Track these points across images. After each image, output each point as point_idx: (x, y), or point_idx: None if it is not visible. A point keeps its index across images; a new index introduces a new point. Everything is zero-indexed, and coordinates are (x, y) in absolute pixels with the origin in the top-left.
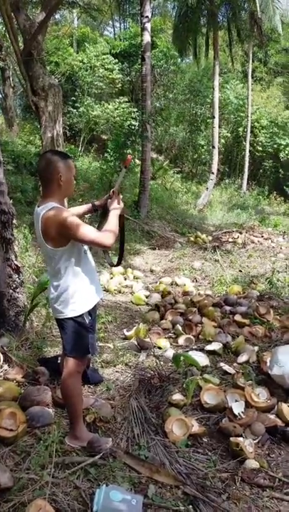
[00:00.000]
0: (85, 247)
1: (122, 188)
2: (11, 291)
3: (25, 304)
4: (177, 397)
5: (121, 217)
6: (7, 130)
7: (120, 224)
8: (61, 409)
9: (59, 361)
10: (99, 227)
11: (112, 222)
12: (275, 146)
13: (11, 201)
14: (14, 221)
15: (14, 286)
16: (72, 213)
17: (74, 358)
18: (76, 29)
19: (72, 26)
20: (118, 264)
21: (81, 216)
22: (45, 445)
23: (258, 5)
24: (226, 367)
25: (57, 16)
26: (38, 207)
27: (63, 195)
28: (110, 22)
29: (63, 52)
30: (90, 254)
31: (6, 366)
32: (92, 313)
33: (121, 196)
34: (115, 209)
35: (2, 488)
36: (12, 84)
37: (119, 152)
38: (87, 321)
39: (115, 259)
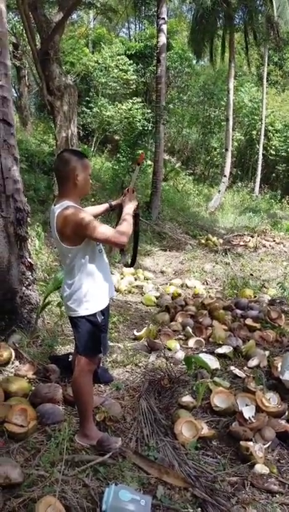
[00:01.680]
0: (100, 245)
1: (135, 187)
2: (23, 288)
3: (38, 301)
4: (187, 399)
5: (136, 216)
6: (21, 129)
7: (134, 223)
8: (71, 407)
9: (70, 359)
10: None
11: (126, 220)
12: None
13: (26, 199)
14: (28, 219)
15: (27, 283)
16: (87, 212)
17: (86, 357)
18: (92, 30)
19: (88, 27)
20: (132, 264)
21: (97, 216)
22: (56, 442)
23: (275, 8)
24: (236, 371)
25: (73, 16)
26: (55, 205)
27: (79, 194)
28: (126, 23)
29: (79, 52)
30: (104, 254)
31: (17, 363)
32: (105, 312)
33: (135, 194)
34: (129, 207)
35: (12, 483)
36: (27, 83)
37: (132, 152)
38: (100, 320)
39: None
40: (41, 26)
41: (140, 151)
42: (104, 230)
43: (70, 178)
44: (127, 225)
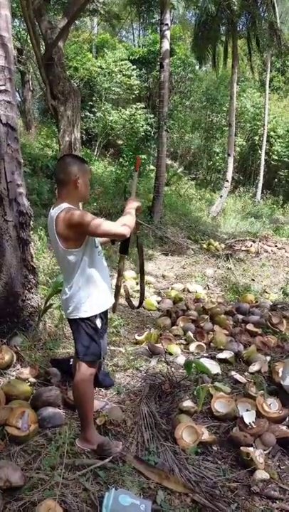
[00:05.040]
0: (100, 248)
1: (137, 193)
2: (25, 291)
3: (39, 304)
4: (188, 404)
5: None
6: (25, 133)
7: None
8: (72, 410)
9: (71, 363)
10: (119, 263)
11: (130, 213)
12: None
13: (29, 203)
14: (31, 222)
15: (29, 286)
16: (87, 211)
17: (86, 362)
18: (96, 35)
19: (92, 32)
20: (139, 306)
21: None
22: (56, 446)
23: (277, 15)
24: (237, 376)
25: (77, 22)
26: (53, 209)
27: (79, 198)
28: (130, 29)
29: (82, 57)
30: (103, 258)
31: (18, 366)
32: (103, 317)
33: (140, 204)
34: (133, 204)
35: (13, 486)
36: (31, 88)
37: (134, 157)
38: (99, 325)
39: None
40: (46, 32)
41: (143, 157)
42: (102, 223)
43: (71, 181)
44: (128, 218)
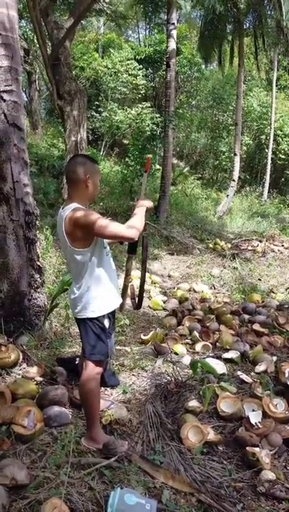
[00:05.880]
0: (108, 248)
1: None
2: (32, 290)
3: (45, 303)
4: (193, 403)
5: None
6: (31, 133)
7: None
8: (78, 409)
9: (77, 362)
10: (127, 263)
11: (138, 214)
12: None
13: (35, 202)
14: (37, 222)
15: (35, 286)
16: (96, 212)
17: (93, 361)
18: (102, 35)
19: (98, 32)
20: (138, 307)
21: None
22: (62, 445)
23: (284, 13)
24: (243, 376)
25: (83, 22)
26: (63, 208)
27: (88, 198)
28: (136, 28)
29: (88, 57)
30: (111, 258)
31: (25, 365)
32: (111, 317)
33: (151, 204)
34: (143, 203)
35: (19, 484)
36: (38, 88)
37: (140, 156)
38: (107, 324)
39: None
40: (52, 32)
41: (147, 156)
42: (110, 224)
43: (82, 181)
44: (138, 219)
